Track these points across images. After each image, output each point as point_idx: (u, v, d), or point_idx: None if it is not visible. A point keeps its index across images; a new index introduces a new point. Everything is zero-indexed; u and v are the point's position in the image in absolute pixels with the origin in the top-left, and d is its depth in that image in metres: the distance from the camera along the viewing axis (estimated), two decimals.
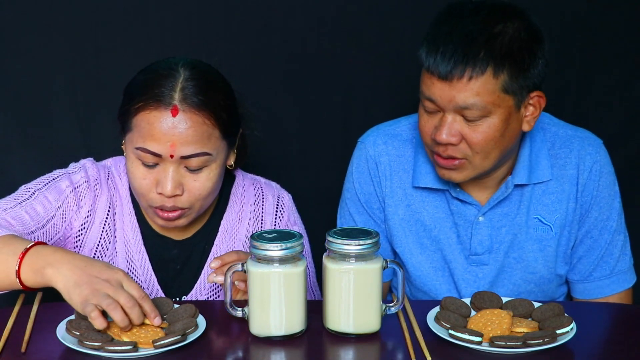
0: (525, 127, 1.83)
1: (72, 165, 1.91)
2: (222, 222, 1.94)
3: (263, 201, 1.97)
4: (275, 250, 1.53)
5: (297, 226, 2.00)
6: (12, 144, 2.38)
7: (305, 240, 2.00)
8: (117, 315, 1.49)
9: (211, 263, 1.69)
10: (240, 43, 2.37)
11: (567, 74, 2.44)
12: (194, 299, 1.89)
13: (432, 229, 1.97)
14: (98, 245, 1.87)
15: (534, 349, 1.50)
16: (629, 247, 1.99)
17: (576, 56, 2.45)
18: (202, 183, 1.77)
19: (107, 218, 1.88)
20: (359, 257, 1.55)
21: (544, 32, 1.79)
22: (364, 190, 2.02)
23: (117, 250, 1.88)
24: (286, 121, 2.45)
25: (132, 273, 1.88)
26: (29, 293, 1.74)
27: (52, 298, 1.72)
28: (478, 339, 1.51)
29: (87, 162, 1.91)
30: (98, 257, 1.87)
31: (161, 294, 1.88)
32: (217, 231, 1.93)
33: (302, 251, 1.57)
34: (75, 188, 1.85)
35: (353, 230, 1.59)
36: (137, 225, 1.89)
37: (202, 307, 1.66)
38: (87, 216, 1.86)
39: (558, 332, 1.53)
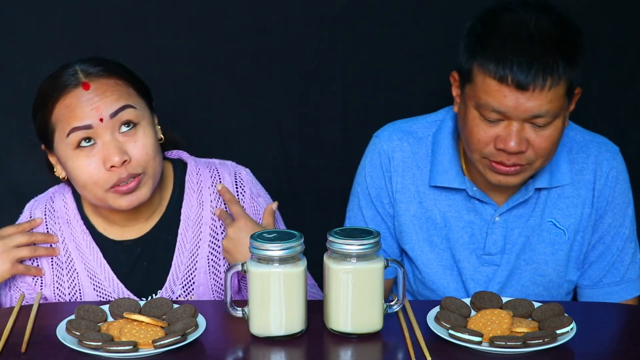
0: (565, 123, 1.81)
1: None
2: (183, 211, 1.90)
3: (220, 181, 1.94)
4: (275, 250, 1.53)
5: (262, 197, 1.96)
6: (12, 144, 2.37)
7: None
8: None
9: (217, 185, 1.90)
10: (240, 43, 2.37)
11: None
12: (168, 293, 1.86)
13: (443, 227, 1.95)
14: (54, 277, 1.87)
15: (534, 349, 1.50)
16: (639, 255, 1.98)
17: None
18: (143, 142, 1.78)
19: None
20: (360, 257, 1.55)
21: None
22: (375, 184, 1.99)
23: (77, 271, 1.86)
24: (286, 121, 2.45)
25: (99, 286, 1.86)
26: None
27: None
28: (478, 339, 1.51)
29: (27, 206, 1.95)
30: (57, 287, 1.87)
31: (133, 297, 1.84)
32: (179, 220, 1.90)
33: (302, 251, 1.57)
34: None
35: (354, 230, 1.58)
36: (92, 239, 1.88)
37: (202, 307, 1.66)
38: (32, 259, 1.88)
39: (558, 332, 1.53)
